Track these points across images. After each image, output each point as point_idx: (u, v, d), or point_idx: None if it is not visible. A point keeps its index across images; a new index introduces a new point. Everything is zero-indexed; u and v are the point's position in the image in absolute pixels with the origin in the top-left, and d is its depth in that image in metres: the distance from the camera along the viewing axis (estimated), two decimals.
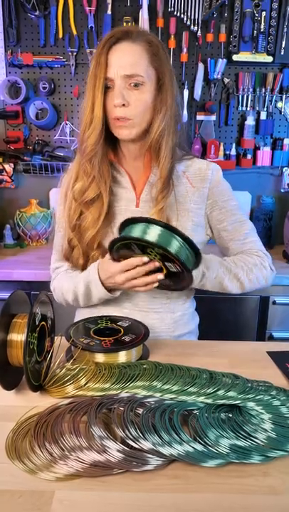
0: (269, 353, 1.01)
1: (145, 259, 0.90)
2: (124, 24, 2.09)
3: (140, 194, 1.10)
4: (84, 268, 1.10)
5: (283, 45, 2.11)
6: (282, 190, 2.34)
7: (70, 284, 1.10)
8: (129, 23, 2.09)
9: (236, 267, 1.08)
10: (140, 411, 0.73)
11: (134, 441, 0.65)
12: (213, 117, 2.24)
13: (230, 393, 0.78)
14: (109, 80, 0.98)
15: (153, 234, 0.86)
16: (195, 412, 0.74)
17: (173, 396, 0.78)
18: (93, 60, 0.98)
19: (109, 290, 1.04)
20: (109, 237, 1.08)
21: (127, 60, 0.97)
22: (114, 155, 1.11)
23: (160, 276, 0.92)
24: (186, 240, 0.87)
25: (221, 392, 0.78)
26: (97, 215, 1.06)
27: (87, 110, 1.00)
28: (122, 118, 0.99)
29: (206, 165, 1.13)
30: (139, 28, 1.03)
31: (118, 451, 0.64)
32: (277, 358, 0.99)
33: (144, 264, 0.91)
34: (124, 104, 0.98)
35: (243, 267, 1.08)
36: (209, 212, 1.13)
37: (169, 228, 0.87)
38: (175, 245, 0.86)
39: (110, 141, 1.07)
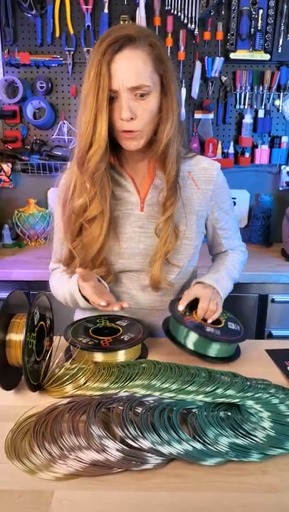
0: (268, 351, 1.02)
1: (103, 303, 0.93)
2: (122, 22, 2.09)
3: (145, 198, 1.06)
4: None
5: (280, 43, 2.11)
6: (280, 188, 2.34)
7: (61, 288, 1.10)
8: (126, 22, 2.08)
9: (235, 271, 1.17)
10: (139, 410, 0.73)
11: (133, 441, 0.65)
12: (211, 115, 2.24)
13: (229, 392, 0.78)
14: (112, 91, 0.90)
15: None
16: (194, 410, 0.74)
17: (172, 395, 0.78)
18: (92, 67, 0.88)
19: None
20: (115, 251, 1.06)
21: (132, 70, 0.89)
22: (116, 158, 1.05)
23: (115, 308, 0.94)
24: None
25: (219, 391, 0.78)
26: (98, 231, 1.00)
27: (89, 125, 0.90)
28: (130, 130, 0.93)
29: (211, 165, 1.11)
30: (138, 28, 0.93)
31: (117, 450, 0.64)
32: (276, 356, 0.99)
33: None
34: (132, 118, 0.91)
35: (238, 270, 1.19)
36: (210, 213, 1.13)
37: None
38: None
39: (110, 144, 0.99)
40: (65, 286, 1.07)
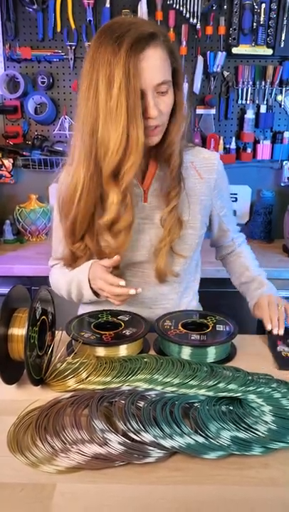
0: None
1: (122, 283, 0.92)
2: (123, 17, 2.07)
3: (148, 189, 1.06)
4: None
5: (283, 38, 2.10)
6: (282, 184, 2.33)
7: (63, 282, 1.09)
8: (128, 16, 2.07)
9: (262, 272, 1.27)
10: (141, 404, 0.73)
11: (135, 434, 0.65)
12: (213, 111, 2.23)
13: (231, 386, 0.78)
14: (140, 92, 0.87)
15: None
16: (196, 404, 0.74)
17: (174, 389, 0.78)
18: (117, 66, 0.82)
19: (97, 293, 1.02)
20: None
21: (156, 67, 0.87)
22: None
23: (132, 291, 0.92)
24: None
25: (221, 385, 0.78)
26: (123, 240, 0.98)
27: (123, 134, 0.85)
28: (156, 126, 0.93)
29: (211, 154, 1.12)
30: (152, 23, 0.92)
31: (119, 443, 0.64)
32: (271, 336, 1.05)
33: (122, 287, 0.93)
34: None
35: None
36: (214, 202, 1.13)
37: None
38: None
39: None
40: (69, 276, 1.06)
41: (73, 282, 1.05)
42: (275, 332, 1.04)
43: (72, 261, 1.06)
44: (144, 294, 1.10)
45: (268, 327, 1.05)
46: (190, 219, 1.07)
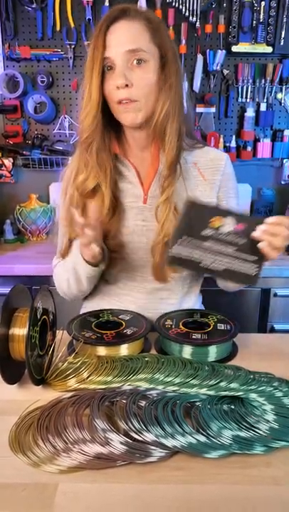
0: None
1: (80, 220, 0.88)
2: None
3: (148, 189, 1.04)
4: None
5: (283, 36, 2.09)
6: (282, 182, 2.33)
7: (62, 272, 1.08)
8: None
9: None
10: (143, 403, 0.73)
11: (137, 434, 0.65)
12: (213, 109, 2.23)
13: (233, 385, 0.78)
14: (108, 61, 0.91)
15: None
16: (197, 403, 0.74)
17: (175, 388, 0.78)
18: (91, 43, 0.92)
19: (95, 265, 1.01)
20: (118, 242, 1.04)
21: (127, 36, 0.90)
22: (119, 146, 1.04)
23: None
24: None
25: (223, 384, 0.78)
26: (100, 204, 0.99)
27: (85, 95, 0.93)
28: (126, 100, 0.92)
29: (219, 155, 1.08)
30: (136, 6, 0.97)
31: (121, 443, 0.64)
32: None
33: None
34: (127, 85, 0.90)
35: None
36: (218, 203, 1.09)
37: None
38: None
39: (115, 132, 1.01)
40: (66, 263, 1.06)
41: (69, 264, 1.05)
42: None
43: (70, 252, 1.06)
44: (144, 299, 1.09)
45: None
46: None
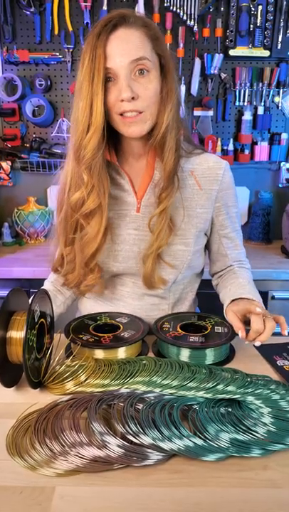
0: (256, 347, 0.98)
1: None
2: None
3: (142, 198, 1.01)
4: (74, 287, 1.04)
5: (280, 40, 2.11)
6: (280, 185, 2.34)
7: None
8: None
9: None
10: (140, 406, 0.73)
11: (134, 437, 0.65)
12: (211, 113, 2.24)
13: (230, 388, 0.78)
14: (110, 72, 0.86)
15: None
16: (195, 406, 0.74)
17: (172, 391, 0.78)
18: (86, 52, 0.85)
19: None
20: (109, 253, 1.02)
21: (129, 45, 0.85)
22: (113, 154, 1.00)
23: None
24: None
25: (220, 387, 0.78)
26: (97, 228, 0.95)
27: (85, 111, 0.86)
28: (132, 112, 0.88)
29: (218, 163, 1.04)
30: (134, 12, 0.92)
31: (118, 446, 0.64)
32: (265, 351, 0.98)
33: None
34: (133, 97, 0.86)
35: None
36: (215, 216, 1.06)
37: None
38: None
39: (109, 138, 0.94)
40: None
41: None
42: (246, 342, 0.91)
43: (60, 265, 1.04)
44: (135, 305, 1.09)
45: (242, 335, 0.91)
46: (182, 232, 1.01)
